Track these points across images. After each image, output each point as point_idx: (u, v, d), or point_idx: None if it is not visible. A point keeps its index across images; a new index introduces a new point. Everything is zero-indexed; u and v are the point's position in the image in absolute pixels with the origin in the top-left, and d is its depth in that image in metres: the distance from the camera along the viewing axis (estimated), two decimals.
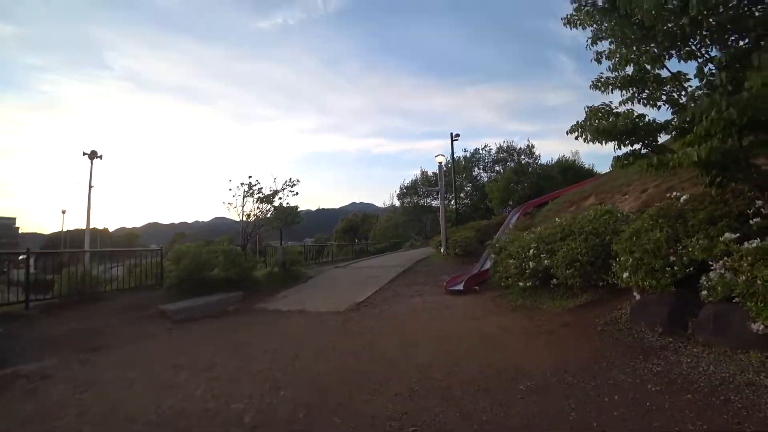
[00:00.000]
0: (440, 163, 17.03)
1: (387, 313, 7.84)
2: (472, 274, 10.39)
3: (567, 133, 6.06)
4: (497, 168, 35.69)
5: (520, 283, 7.56)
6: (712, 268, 4.53)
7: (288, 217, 12.76)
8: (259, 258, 16.76)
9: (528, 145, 34.34)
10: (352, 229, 45.22)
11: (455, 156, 25.79)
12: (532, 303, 7.24)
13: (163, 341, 6.70)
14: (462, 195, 38.69)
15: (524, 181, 24.90)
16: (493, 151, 35.63)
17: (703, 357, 4.07)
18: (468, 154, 36.64)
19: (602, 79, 6.05)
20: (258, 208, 12.41)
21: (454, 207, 25.26)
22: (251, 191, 12.23)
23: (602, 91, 6.08)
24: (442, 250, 16.51)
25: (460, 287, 9.24)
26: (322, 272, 15.09)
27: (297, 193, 12.82)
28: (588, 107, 6.05)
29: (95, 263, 12.43)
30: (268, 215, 12.61)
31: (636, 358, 4.29)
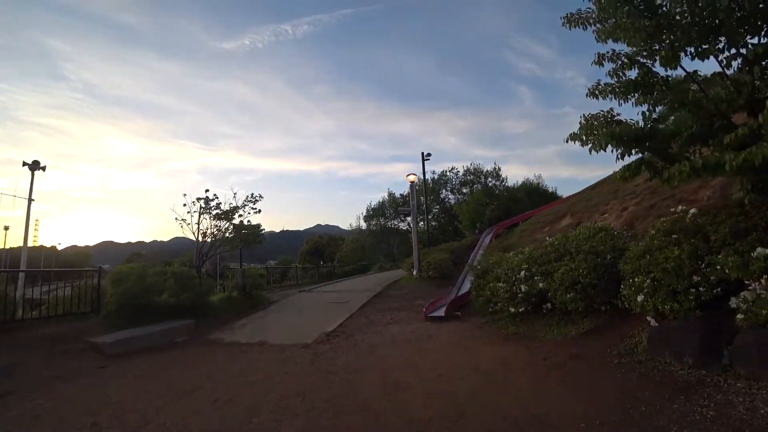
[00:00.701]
0: (412, 182, 16.41)
1: (363, 345, 6.80)
2: (452, 298, 9.57)
3: (566, 141, 5.48)
4: (464, 190, 35.80)
5: (511, 309, 6.79)
6: (749, 287, 3.93)
7: (249, 236, 11.51)
8: (219, 281, 15.26)
9: (495, 168, 34.79)
10: (318, 251, 43.67)
11: (426, 176, 25.38)
12: (527, 330, 6.46)
13: (89, 384, 5.30)
14: (429, 217, 38.46)
15: (493, 202, 24.81)
16: (461, 173, 35.76)
17: (757, 395, 3.37)
18: (435, 176, 36.62)
19: (600, 87, 5.55)
20: (216, 225, 11.08)
21: (425, 228, 24.56)
22: (208, 207, 10.92)
23: (600, 98, 5.59)
24: (414, 272, 15.67)
25: (441, 313, 8.37)
26: (287, 297, 13.80)
27: (259, 211, 11.64)
28: (584, 115, 5.53)
29: (32, 285, 10.63)
30: (227, 234, 11.29)
31: (676, 398, 3.53)
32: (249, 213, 11.54)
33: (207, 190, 10.84)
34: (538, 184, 34.73)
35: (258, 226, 11.70)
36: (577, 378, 4.36)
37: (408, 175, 16.39)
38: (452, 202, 36.20)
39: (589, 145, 5.17)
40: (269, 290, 16.18)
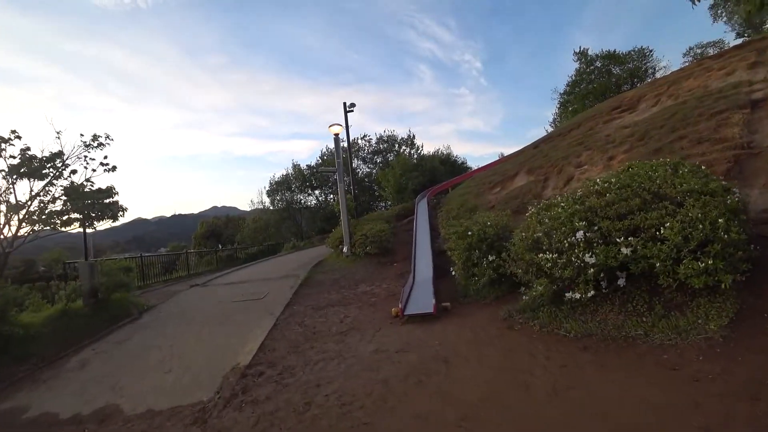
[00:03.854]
0: (336, 135, 12.82)
1: (319, 397, 3.43)
2: (427, 287, 6.63)
3: None
4: (377, 159, 33.09)
5: (575, 294, 4.01)
6: None
7: (97, 208, 7.02)
8: (60, 285, 10.13)
9: (410, 135, 32.50)
10: (215, 234, 37.47)
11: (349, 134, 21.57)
12: (610, 328, 3.75)
13: None
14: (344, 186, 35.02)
15: (417, 168, 22.47)
16: (374, 141, 32.81)
17: None
18: (345, 145, 33.04)
19: None
20: (31, 188, 6.35)
21: (353, 194, 20.72)
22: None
23: None
24: (344, 249, 12.37)
25: (429, 309, 5.31)
26: (172, 296, 9.51)
27: (113, 168, 7.17)
28: None
29: None
30: (49, 204, 6.64)
31: None
32: (93, 170, 7.02)
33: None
34: (449, 154, 33.61)
35: (110, 190, 7.19)
36: None
37: (331, 126, 12.76)
38: (366, 171, 33.31)
39: None
40: (146, 289, 11.51)
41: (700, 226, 3.53)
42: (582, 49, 26.90)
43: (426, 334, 4.63)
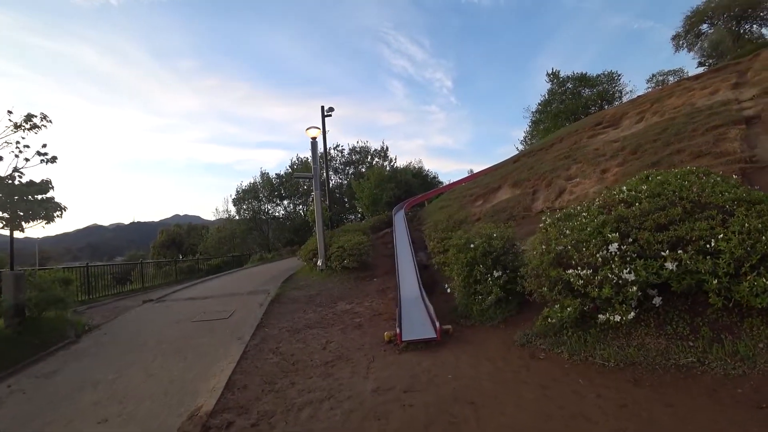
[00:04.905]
0: (314, 139, 11.88)
1: None
2: (425, 306, 5.86)
3: None
4: (349, 170, 32.29)
5: (615, 317, 3.34)
6: None
7: (27, 205, 5.78)
8: None
9: (383, 147, 31.96)
10: (176, 243, 35.17)
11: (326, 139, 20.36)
12: (647, 356, 3.13)
13: None
14: (310, 199, 33.80)
15: (392, 181, 21.89)
16: (346, 152, 32.00)
17: None
18: (321, 150, 32.02)
19: None
20: None
21: (325, 203, 19.62)
22: None
23: None
24: (319, 262, 11.41)
25: (432, 334, 4.50)
26: (121, 314, 8.19)
27: (53, 159, 5.96)
28: None
29: None
30: None
31: None
32: (26, 159, 5.80)
33: None
34: (421, 168, 33.37)
35: (45, 184, 5.92)
36: None
37: (308, 129, 11.79)
38: (335, 182, 32.38)
39: None
40: (92, 304, 10.04)
41: (763, 237, 3.00)
42: (554, 70, 27.73)
43: (435, 366, 3.82)
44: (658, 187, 3.99)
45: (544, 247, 4.09)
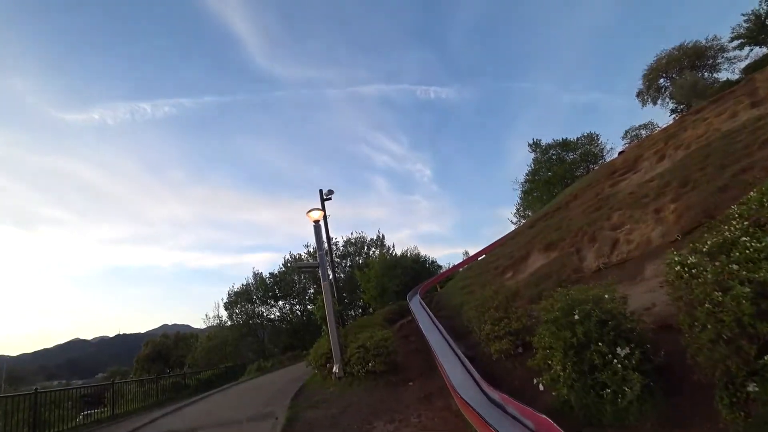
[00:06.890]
0: (317, 222, 10.55)
1: None
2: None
3: None
4: (345, 263, 30.63)
5: None
6: None
7: None
8: None
9: (379, 236, 30.79)
10: (162, 356, 31.56)
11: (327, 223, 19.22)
12: None
13: None
14: (306, 299, 31.42)
15: (398, 268, 20.36)
16: (341, 245, 30.65)
17: None
18: (311, 249, 30.57)
19: None
20: None
21: (332, 294, 17.73)
22: None
23: None
24: (335, 369, 9.21)
25: None
26: None
27: None
28: None
29: None
30: None
31: None
32: None
33: None
34: (418, 254, 32.02)
35: None
36: None
37: (310, 211, 10.53)
38: (332, 277, 30.52)
39: None
40: None
41: None
42: (535, 140, 28.62)
43: None
44: None
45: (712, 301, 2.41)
